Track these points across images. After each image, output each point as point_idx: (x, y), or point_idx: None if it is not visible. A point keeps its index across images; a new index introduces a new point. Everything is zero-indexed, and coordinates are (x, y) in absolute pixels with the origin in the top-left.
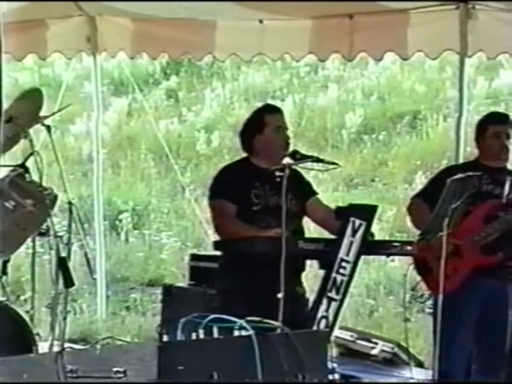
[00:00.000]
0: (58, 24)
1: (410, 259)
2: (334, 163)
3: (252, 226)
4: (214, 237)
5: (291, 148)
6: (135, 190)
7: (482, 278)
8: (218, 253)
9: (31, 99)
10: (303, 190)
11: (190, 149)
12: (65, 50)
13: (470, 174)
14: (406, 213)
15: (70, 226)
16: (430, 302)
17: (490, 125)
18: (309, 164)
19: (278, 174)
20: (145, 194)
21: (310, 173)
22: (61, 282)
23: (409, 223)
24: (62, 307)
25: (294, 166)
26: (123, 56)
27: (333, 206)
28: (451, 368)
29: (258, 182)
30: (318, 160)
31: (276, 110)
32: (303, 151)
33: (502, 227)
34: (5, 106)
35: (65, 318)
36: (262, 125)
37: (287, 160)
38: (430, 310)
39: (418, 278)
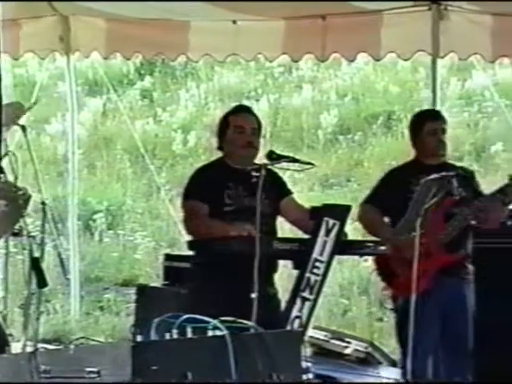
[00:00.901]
0: (30, 24)
1: (372, 265)
2: (309, 163)
3: (225, 223)
4: (188, 237)
5: (267, 148)
6: (110, 191)
7: (444, 278)
8: (192, 253)
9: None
10: (277, 190)
11: (166, 149)
12: (38, 50)
13: (444, 174)
14: (358, 219)
15: (43, 226)
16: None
17: (425, 122)
18: (284, 164)
19: (254, 174)
20: (120, 194)
21: (286, 173)
22: (34, 282)
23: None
24: (35, 307)
25: (269, 166)
26: (97, 56)
27: (308, 205)
28: (419, 366)
29: (232, 183)
30: (293, 160)
31: (241, 111)
32: (279, 151)
33: (460, 224)
34: None
35: (38, 319)
36: (226, 126)
37: (263, 160)
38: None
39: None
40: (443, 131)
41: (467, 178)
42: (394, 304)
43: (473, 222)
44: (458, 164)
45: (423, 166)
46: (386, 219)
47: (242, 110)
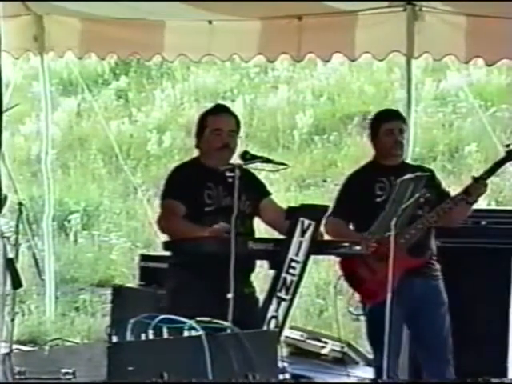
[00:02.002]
0: (4, 23)
1: (339, 271)
2: (283, 164)
3: (198, 225)
4: (163, 237)
5: (242, 148)
6: (87, 191)
7: (410, 279)
8: (167, 253)
9: None
10: (257, 191)
11: (140, 149)
12: (11, 50)
13: (419, 174)
14: (325, 232)
15: (17, 226)
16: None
17: (382, 123)
18: (258, 165)
19: (228, 174)
20: (97, 194)
21: (262, 173)
22: (8, 283)
23: None
24: (9, 308)
25: (245, 167)
26: (71, 56)
27: (285, 206)
28: (390, 366)
29: (212, 183)
30: (267, 160)
31: (220, 111)
32: (254, 152)
33: (423, 226)
34: None
35: (13, 320)
36: (204, 126)
37: (237, 160)
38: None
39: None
40: (401, 131)
41: (428, 177)
42: (362, 309)
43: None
44: (415, 164)
45: (381, 166)
46: (351, 226)
47: (221, 111)
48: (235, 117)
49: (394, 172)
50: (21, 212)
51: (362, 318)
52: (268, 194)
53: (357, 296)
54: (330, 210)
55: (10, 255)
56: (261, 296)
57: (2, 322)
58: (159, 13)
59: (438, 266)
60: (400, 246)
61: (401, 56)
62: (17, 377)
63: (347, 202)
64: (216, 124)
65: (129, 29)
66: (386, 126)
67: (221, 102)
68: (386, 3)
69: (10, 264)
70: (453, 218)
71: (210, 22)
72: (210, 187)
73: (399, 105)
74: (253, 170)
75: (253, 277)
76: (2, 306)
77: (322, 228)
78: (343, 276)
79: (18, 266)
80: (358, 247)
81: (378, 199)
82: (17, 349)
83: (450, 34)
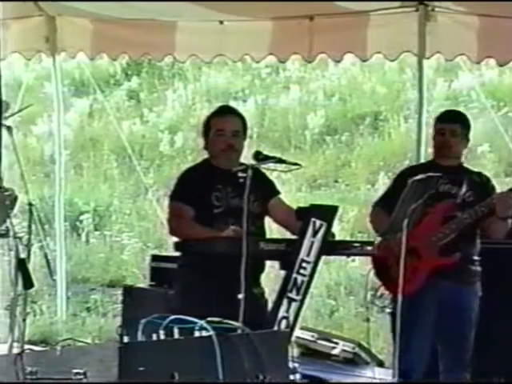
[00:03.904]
0: (16, 24)
1: (370, 261)
2: (296, 164)
3: (209, 229)
4: (174, 238)
5: (253, 148)
6: (98, 191)
7: (439, 280)
8: (178, 254)
9: None
10: (265, 191)
11: (153, 149)
12: (23, 51)
13: (431, 174)
14: (368, 220)
15: (29, 227)
16: (388, 302)
17: (437, 122)
18: (271, 165)
19: (240, 174)
20: (107, 195)
21: (273, 173)
22: (20, 283)
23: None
24: (21, 309)
25: (257, 167)
26: (83, 57)
27: (295, 206)
28: (410, 367)
29: (220, 184)
30: (280, 161)
31: (224, 112)
32: (266, 152)
33: (458, 227)
34: None
35: (24, 320)
36: (208, 127)
37: (250, 161)
38: (389, 310)
39: (378, 281)
40: (453, 133)
41: (480, 183)
42: (390, 303)
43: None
44: (475, 169)
45: (436, 166)
46: None
47: (225, 112)
48: (241, 118)
49: (448, 173)
50: (31, 212)
51: (379, 316)
52: (277, 193)
53: (383, 290)
54: (377, 200)
55: (22, 255)
56: (271, 297)
57: (14, 322)
58: (171, 13)
59: (474, 270)
60: (431, 244)
61: (412, 56)
62: (28, 377)
63: (394, 195)
64: (219, 125)
65: (140, 29)
66: (439, 126)
67: (232, 102)
68: (398, 3)
69: (22, 264)
70: (491, 228)
71: (221, 22)
72: (218, 189)
73: (411, 105)
74: (263, 170)
75: (263, 277)
76: (13, 306)
77: (332, 228)
78: (374, 270)
79: (30, 266)
80: (369, 247)
81: None
82: (28, 349)
83: (462, 34)
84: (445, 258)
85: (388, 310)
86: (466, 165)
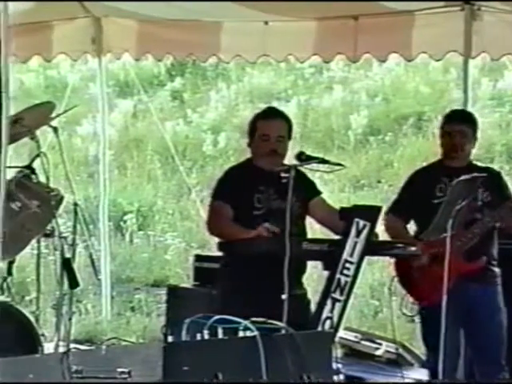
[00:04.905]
0: (63, 25)
1: (393, 272)
2: (339, 164)
3: (244, 228)
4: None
5: (297, 149)
6: (141, 191)
7: (466, 283)
8: (221, 254)
9: (42, 107)
10: (307, 191)
11: (196, 150)
12: (70, 52)
13: (476, 174)
14: (383, 228)
15: (74, 227)
16: (415, 312)
17: (444, 123)
18: (314, 165)
19: (283, 175)
20: (151, 195)
21: (316, 173)
22: (66, 282)
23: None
24: (67, 308)
25: (298, 167)
26: (128, 57)
27: (338, 206)
28: (444, 368)
29: (263, 186)
30: (323, 161)
31: (270, 116)
32: (309, 152)
33: (481, 231)
34: (13, 108)
35: (70, 319)
36: (254, 130)
37: (292, 161)
38: (418, 321)
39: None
40: (462, 133)
41: (492, 180)
42: (417, 311)
43: (497, 225)
44: (484, 165)
45: (445, 167)
46: (412, 224)
47: (271, 115)
48: (287, 120)
49: (458, 173)
50: (76, 213)
51: (416, 319)
52: (318, 193)
53: (409, 298)
54: (390, 206)
55: (68, 255)
56: (315, 297)
57: (60, 321)
58: (215, 14)
59: (496, 271)
60: (456, 249)
61: (457, 56)
62: (74, 375)
63: (407, 200)
64: (264, 130)
65: (185, 30)
66: (447, 127)
67: (275, 102)
68: (443, 3)
69: (68, 264)
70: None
71: (265, 22)
72: (260, 190)
73: (455, 105)
74: (303, 170)
75: (305, 278)
76: (59, 306)
77: (377, 228)
78: (397, 277)
79: (75, 265)
80: (412, 248)
81: (436, 200)
82: (74, 348)
83: (508, 33)
84: (471, 263)
85: (417, 320)
86: (474, 162)
